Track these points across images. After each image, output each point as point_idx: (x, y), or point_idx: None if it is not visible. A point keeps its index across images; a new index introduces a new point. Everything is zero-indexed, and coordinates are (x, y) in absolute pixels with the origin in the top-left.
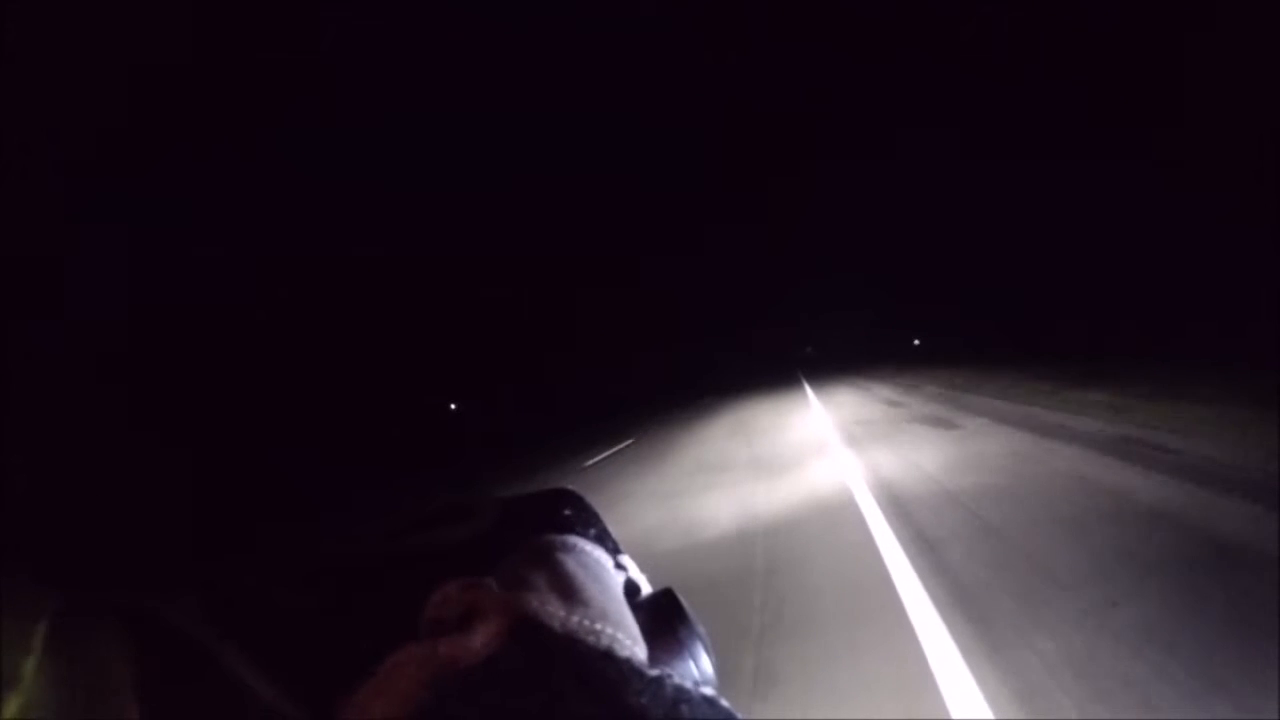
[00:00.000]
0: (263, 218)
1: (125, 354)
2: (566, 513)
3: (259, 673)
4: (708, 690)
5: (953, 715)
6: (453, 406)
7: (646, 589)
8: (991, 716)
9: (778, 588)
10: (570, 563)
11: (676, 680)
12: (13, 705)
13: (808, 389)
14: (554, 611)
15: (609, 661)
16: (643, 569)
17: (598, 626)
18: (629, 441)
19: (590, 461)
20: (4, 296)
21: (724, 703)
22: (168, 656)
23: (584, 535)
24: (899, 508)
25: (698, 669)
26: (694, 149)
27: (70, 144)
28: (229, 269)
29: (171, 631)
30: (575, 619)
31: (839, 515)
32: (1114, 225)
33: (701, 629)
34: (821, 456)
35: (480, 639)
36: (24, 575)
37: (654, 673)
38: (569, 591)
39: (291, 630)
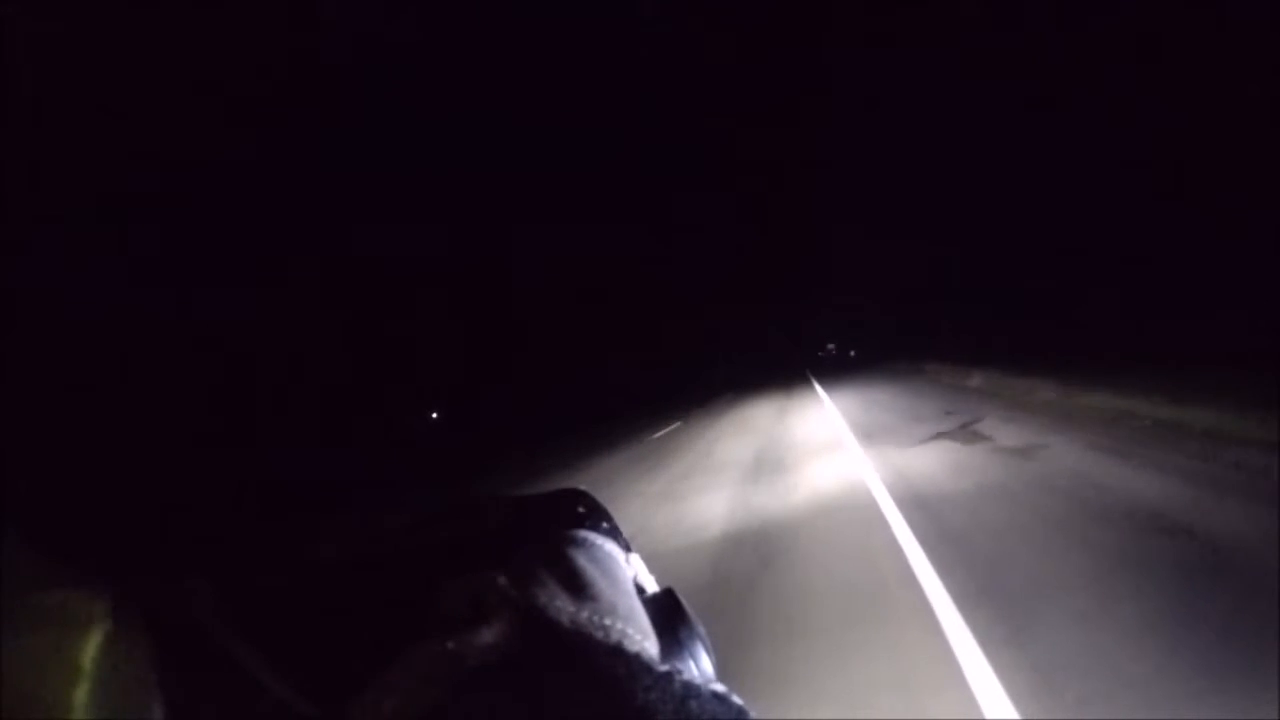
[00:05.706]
0: (261, 217)
1: (124, 353)
2: (579, 510)
3: (269, 667)
4: (717, 686)
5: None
6: (434, 415)
7: (652, 588)
8: (1017, 716)
9: None
10: (580, 558)
11: (685, 676)
12: (82, 692)
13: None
14: (563, 607)
15: (617, 657)
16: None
17: (606, 622)
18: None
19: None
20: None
21: (735, 699)
22: (181, 647)
23: (596, 530)
24: None
25: (698, 669)
26: (697, 148)
27: (66, 142)
28: (228, 269)
29: (184, 622)
30: (584, 614)
31: None
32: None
33: (701, 629)
34: None
35: (490, 635)
36: (74, 565)
37: (663, 668)
38: (578, 587)
39: (302, 624)
